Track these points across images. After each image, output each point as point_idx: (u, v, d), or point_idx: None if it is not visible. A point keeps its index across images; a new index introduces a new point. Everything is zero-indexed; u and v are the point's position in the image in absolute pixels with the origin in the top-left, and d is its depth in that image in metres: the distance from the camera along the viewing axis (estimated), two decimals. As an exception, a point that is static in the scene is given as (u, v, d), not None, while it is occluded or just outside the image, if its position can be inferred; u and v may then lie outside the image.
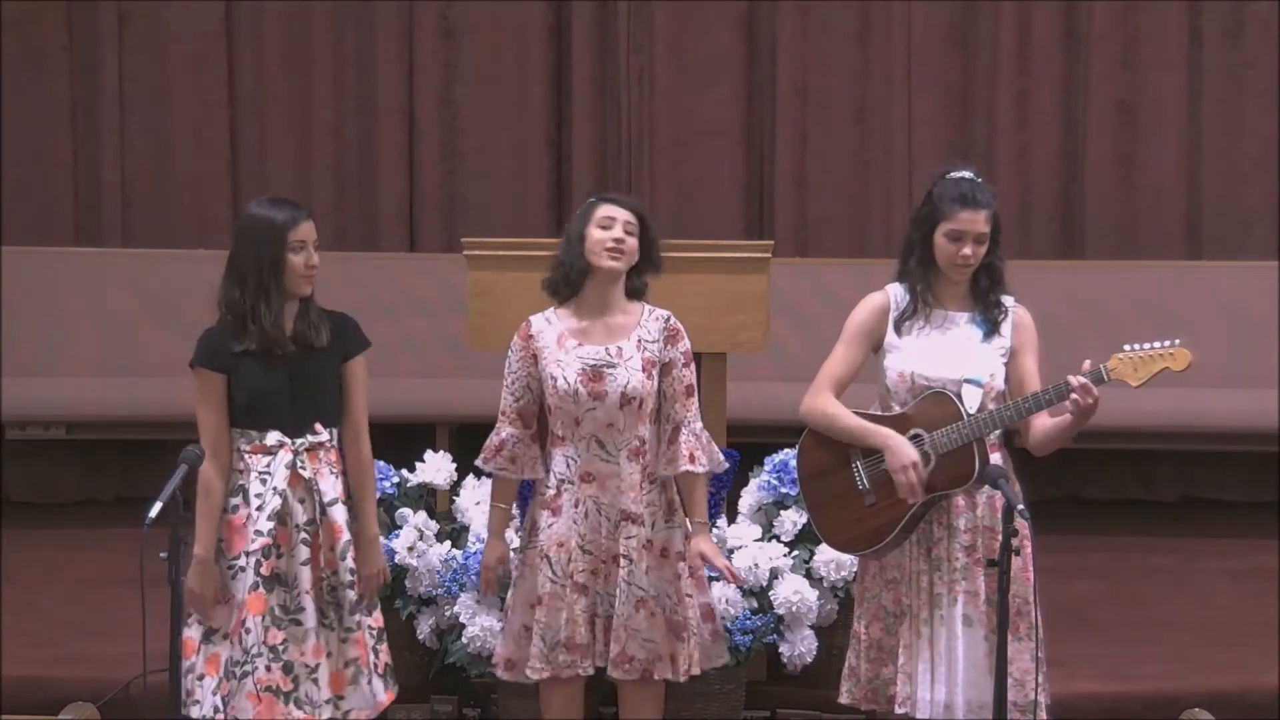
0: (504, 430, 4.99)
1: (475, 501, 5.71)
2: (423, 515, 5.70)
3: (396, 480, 5.76)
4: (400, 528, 5.66)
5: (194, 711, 4.81)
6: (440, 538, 5.69)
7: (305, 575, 4.82)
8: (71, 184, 8.50)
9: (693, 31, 8.39)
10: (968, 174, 4.79)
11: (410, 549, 5.60)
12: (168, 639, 4.56)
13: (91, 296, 8.24)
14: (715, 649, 5.09)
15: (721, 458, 5.05)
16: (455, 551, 5.59)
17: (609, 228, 4.91)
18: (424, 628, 5.65)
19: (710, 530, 5.56)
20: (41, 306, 8.21)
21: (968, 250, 4.74)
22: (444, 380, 7.87)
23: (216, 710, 4.80)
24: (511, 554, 5.18)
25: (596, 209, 4.95)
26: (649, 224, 4.97)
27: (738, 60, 8.42)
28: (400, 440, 6.71)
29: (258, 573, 4.80)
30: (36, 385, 8.02)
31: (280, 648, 4.81)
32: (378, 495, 5.63)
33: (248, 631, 4.78)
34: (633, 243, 4.92)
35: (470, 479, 5.78)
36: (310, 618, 4.82)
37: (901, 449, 4.68)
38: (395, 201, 8.52)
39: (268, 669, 4.79)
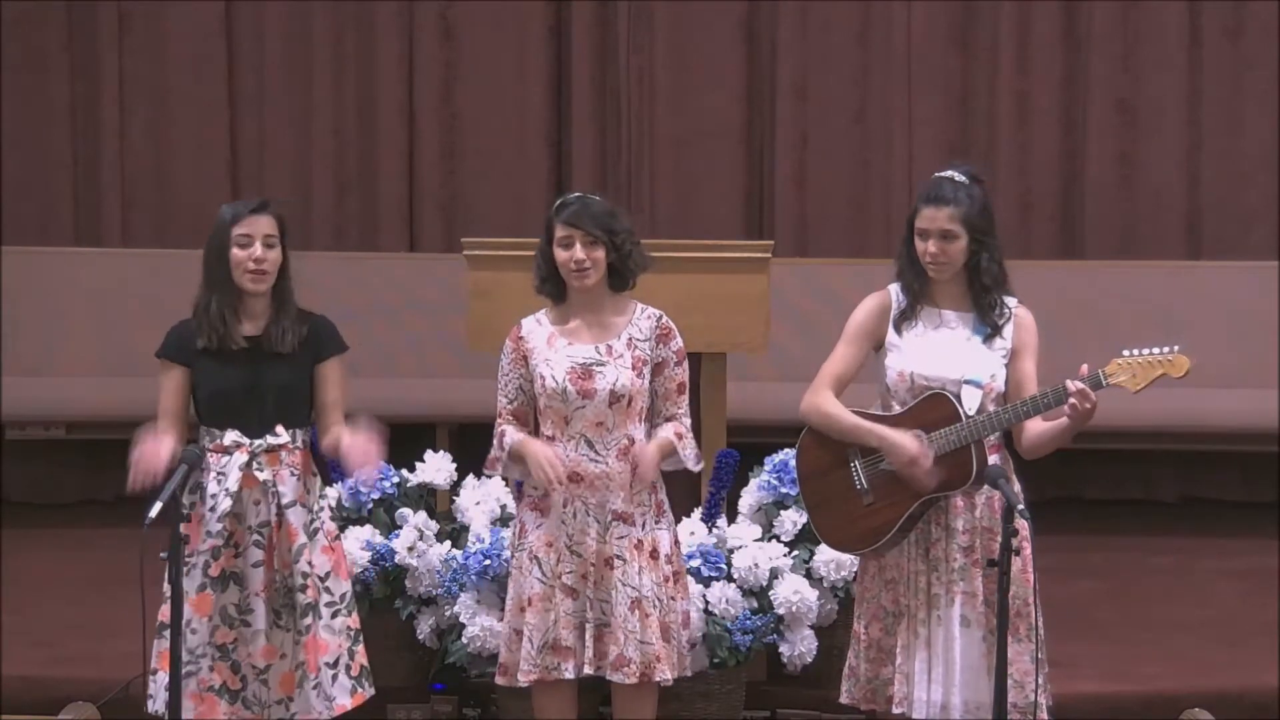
0: (503, 426, 4.99)
1: (475, 501, 5.70)
2: (423, 515, 5.69)
3: (396, 480, 5.76)
4: (400, 528, 5.65)
5: (149, 706, 4.81)
6: (440, 538, 5.68)
7: (257, 577, 4.79)
8: (71, 184, 8.50)
9: (693, 31, 8.39)
10: (949, 172, 4.77)
11: (410, 549, 5.59)
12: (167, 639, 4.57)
13: (91, 296, 8.24)
14: (691, 656, 5.10)
15: (692, 458, 4.98)
16: (455, 551, 5.58)
17: (568, 247, 4.89)
18: (424, 628, 5.64)
19: (710, 530, 5.58)
20: (41, 306, 8.21)
21: (933, 248, 4.72)
22: (444, 380, 7.86)
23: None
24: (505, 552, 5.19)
25: (555, 225, 4.93)
26: (616, 228, 4.91)
27: (738, 60, 8.42)
28: (400, 440, 6.66)
29: (205, 573, 4.77)
30: (36, 385, 8.02)
31: (230, 647, 4.79)
32: (378, 495, 5.66)
33: (193, 632, 4.75)
34: (598, 254, 4.89)
35: (470, 479, 5.77)
36: (260, 619, 4.78)
37: (899, 446, 4.67)
38: (395, 201, 8.51)
39: (211, 669, 4.77)
